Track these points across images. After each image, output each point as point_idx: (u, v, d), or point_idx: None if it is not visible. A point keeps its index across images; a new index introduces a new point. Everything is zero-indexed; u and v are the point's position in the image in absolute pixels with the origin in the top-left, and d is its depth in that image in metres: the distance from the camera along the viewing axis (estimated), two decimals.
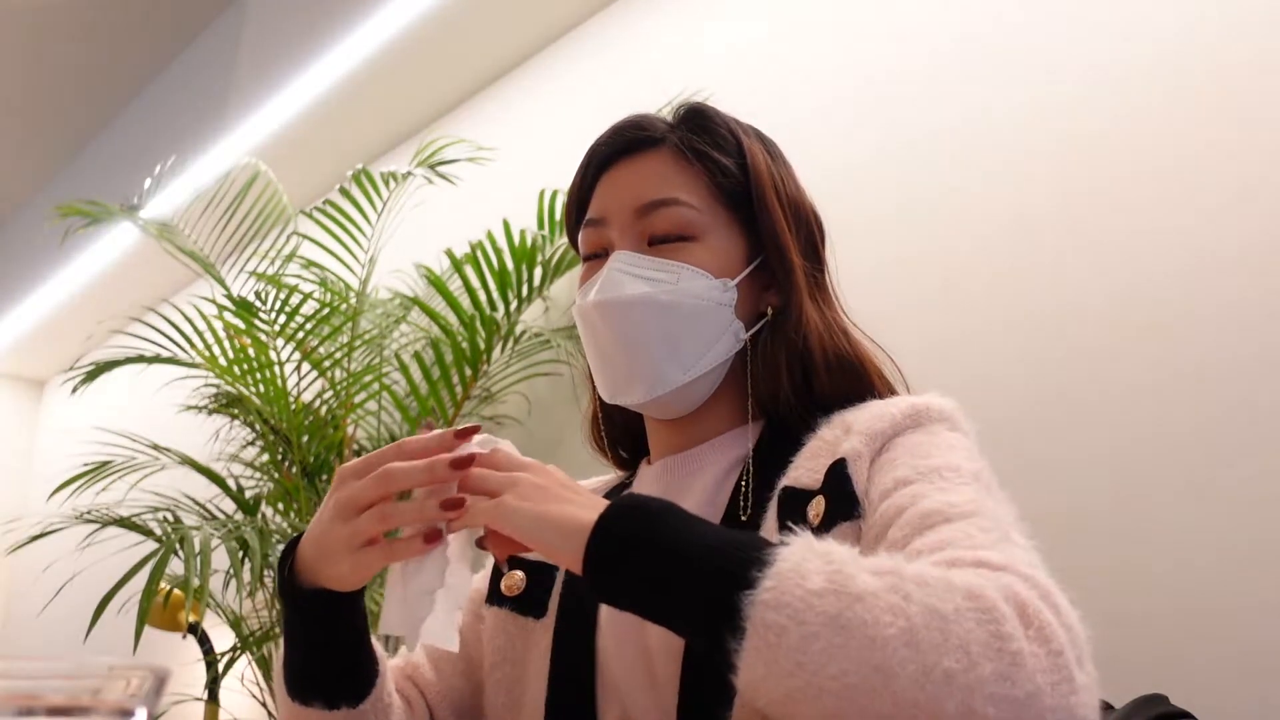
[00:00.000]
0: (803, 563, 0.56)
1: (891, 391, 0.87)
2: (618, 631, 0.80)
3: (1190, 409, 1.42)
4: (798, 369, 0.84)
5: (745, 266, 0.86)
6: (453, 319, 2.28)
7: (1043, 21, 1.72)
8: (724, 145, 0.88)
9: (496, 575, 0.89)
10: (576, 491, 0.67)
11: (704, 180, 0.86)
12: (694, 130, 0.88)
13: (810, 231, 0.91)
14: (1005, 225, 1.69)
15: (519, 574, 0.87)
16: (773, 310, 0.87)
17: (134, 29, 3.66)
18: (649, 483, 0.89)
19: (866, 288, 1.83)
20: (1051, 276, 1.61)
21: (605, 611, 0.82)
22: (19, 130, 4.21)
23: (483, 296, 2.26)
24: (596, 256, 0.88)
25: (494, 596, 0.88)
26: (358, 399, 2.38)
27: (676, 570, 0.59)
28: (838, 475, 0.75)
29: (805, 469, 0.78)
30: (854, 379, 0.85)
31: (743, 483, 0.82)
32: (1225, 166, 1.47)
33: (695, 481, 0.85)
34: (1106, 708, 0.97)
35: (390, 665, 0.88)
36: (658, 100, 2.22)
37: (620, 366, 0.85)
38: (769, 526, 0.77)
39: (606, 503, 0.64)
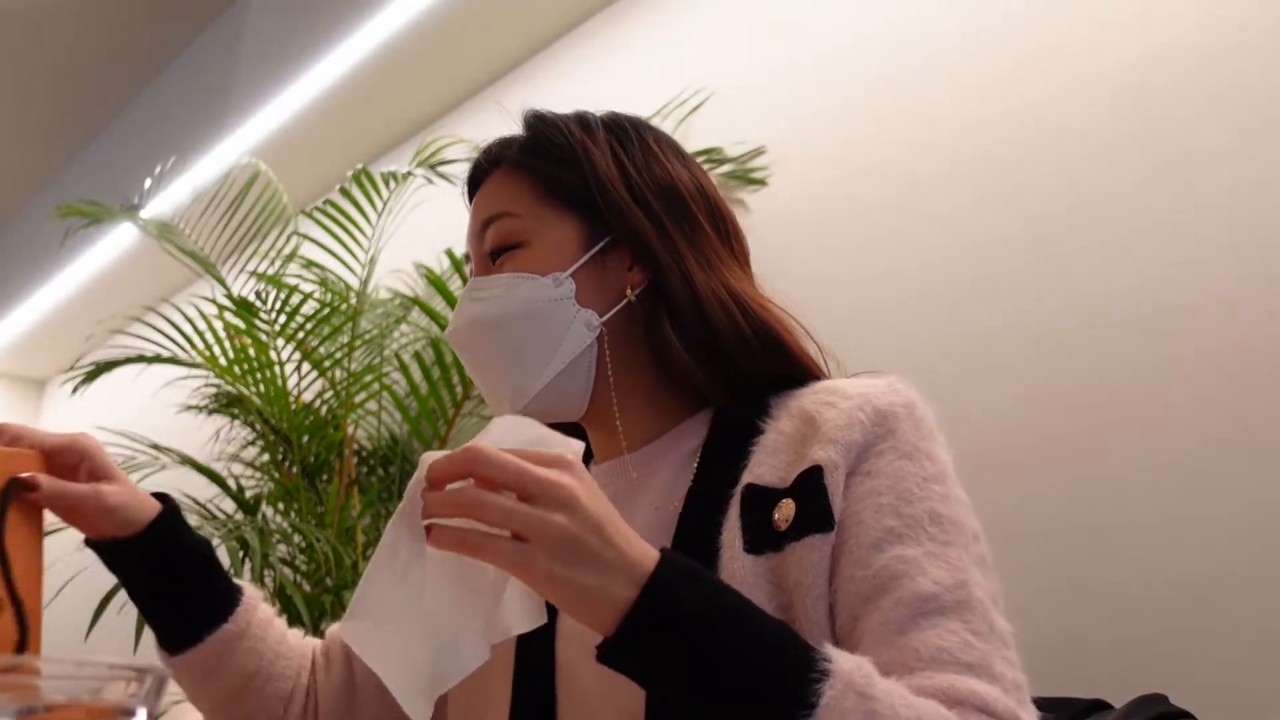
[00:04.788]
0: (848, 714, 0.58)
1: (815, 365, 0.86)
2: (578, 644, 0.80)
3: (1192, 408, 1.42)
4: (706, 340, 0.83)
5: (581, 254, 0.85)
6: None
7: (1047, 20, 1.72)
8: (553, 149, 0.88)
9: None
10: (611, 539, 0.60)
11: (532, 186, 0.87)
12: (525, 143, 0.90)
13: (684, 206, 0.88)
14: (1008, 221, 1.69)
15: None
16: (634, 288, 0.86)
17: (134, 29, 3.65)
18: (598, 484, 0.89)
19: (865, 283, 1.83)
20: (1058, 271, 1.61)
21: (565, 624, 0.81)
22: (19, 130, 4.21)
23: None
24: None
25: None
26: (358, 399, 2.38)
27: (713, 690, 0.59)
28: (812, 484, 0.74)
29: (768, 466, 0.77)
30: (774, 353, 0.84)
31: (695, 479, 0.81)
32: (1229, 165, 1.47)
33: (645, 484, 0.85)
34: (1106, 707, 0.97)
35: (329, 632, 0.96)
36: (659, 100, 2.22)
37: (484, 387, 0.87)
38: (731, 525, 0.76)
39: (642, 567, 0.60)
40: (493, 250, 0.87)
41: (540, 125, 0.91)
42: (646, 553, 0.62)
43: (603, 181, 0.86)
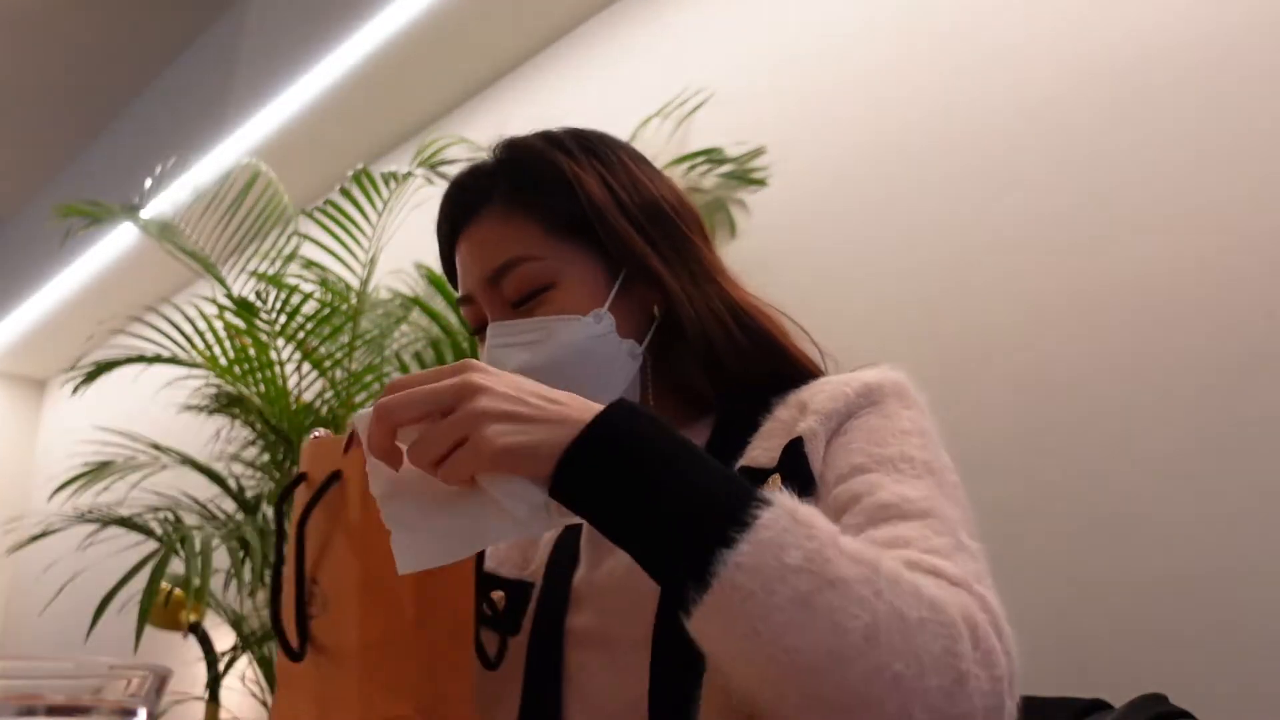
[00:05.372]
0: (784, 534, 0.57)
1: (812, 364, 0.88)
2: (585, 639, 0.81)
3: (1193, 407, 1.42)
4: (705, 352, 0.85)
5: (611, 287, 0.85)
6: (453, 319, 2.28)
7: (1047, 21, 1.72)
8: (548, 181, 0.86)
9: (479, 597, 0.90)
10: (541, 399, 0.62)
11: (538, 225, 0.85)
12: (514, 177, 0.87)
13: (672, 224, 0.88)
14: (1009, 223, 1.69)
15: (499, 593, 0.88)
16: (658, 308, 0.87)
17: (135, 29, 3.66)
18: None
19: (865, 282, 1.83)
20: (1058, 272, 1.61)
21: (573, 621, 0.83)
22: (19, 130, 4.21)
23: None
24: (480, 331, 0.88)
25: (478, 616, 0.89)
26: (358, 399, 2.38)
27: (652, 508, 0.59)
28: (794, 454, 0.75)
29: (761, 449, 0.79)
30: (769, 354, 0.86)
31: None
32: (1230, 164, 1.47)
33: None
34: (1106, 707, 0.97)
35: None
36: (659, 100, 2.22)
37: None
38: None
39: (581, 414, 0.62)
40: (520, 298, 0.84)
41: (521, 156, 0.88)
42: (593, 407, 0.63)
43: (599, 210, 0.85)
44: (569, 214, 0.85)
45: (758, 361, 0.85)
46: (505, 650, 0.79)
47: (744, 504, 0.58)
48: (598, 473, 0.60)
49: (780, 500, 0.59)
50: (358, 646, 0.68)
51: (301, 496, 0.74)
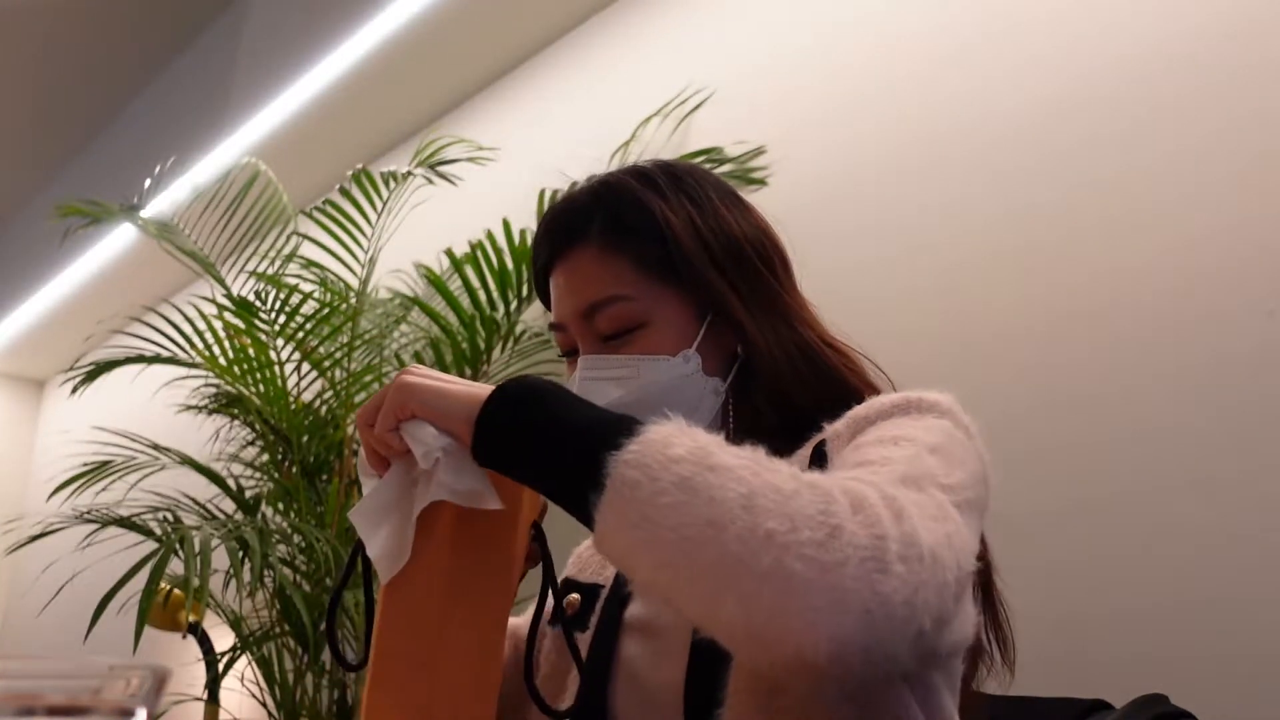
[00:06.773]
0: (670, 436, 0.63)
1: (876, 392, 0.90)
2: (638, 627, 0.87)
3: (1192, 406, 1.42)
4: (779, 393, 0.88)
5: (699, 327, 0.89)
6: (453, 319, 2.28)
7: (1046, 19, 1.72)
8: (641, 222, 0.89)
9: (559, 598, 0.93)
10: (457, 379, 0.73)
11: (632, 265, 0.88)
12: (609, 215, 0.90)
13: (753, 266, 0.91)
14: (1009, 223, 1.69)
15: (576, 596, 0.94)
16: (741, 347, 0.90)
17: (134, 29, 3.66)
18: None
19: (865, 283, 1.83)
20: (1058, 272, 1.61)
21: (630, 613, 0.88)
22: (19, 130, 4.21)
23: (483, 296, 2.26)
24: (570, 355, 0.92)
25: (556, 616, 0.93)
26: (358, 399, 2.38)
27: (554, 436, 0.67)
28: (818, 454, 0.79)
29: (799, 458, 0.82)
30: (836, 390, 0.88)
31: None
32: (1229, 165, 1.47)
33: None
34: (1107, 708, 0.97)
35: None
36: (659, 100, 2.22)
37: None
38: None
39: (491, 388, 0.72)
40: (612, 334, 0.88)
41: (616, 195, 0.91)
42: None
43: (686, 257, 0.88)
44: (660, 257, 0.88)
45: (824, 396, 0.87)
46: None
47: (636, 421, 0.65)
48: (512, 412, 0.69)
49: (674, 420, 0.65)
50: (373, 656, 0.72)
51: None
